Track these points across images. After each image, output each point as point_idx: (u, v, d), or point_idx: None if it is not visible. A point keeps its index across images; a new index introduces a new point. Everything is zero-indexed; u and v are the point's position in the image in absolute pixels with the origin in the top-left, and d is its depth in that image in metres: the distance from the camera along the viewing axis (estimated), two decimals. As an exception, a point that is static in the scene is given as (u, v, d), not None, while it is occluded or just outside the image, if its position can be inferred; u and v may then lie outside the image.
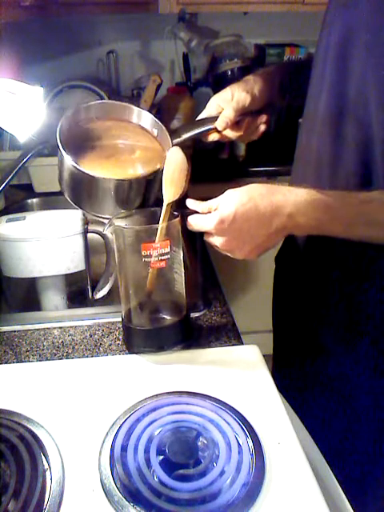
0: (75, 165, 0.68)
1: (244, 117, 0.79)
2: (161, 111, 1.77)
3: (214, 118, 0.78)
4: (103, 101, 0.77)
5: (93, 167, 0.71)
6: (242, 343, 0.78)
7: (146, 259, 0.67)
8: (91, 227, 0.90)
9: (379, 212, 0.61)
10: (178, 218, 0.68)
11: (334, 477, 0.65)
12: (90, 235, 0.91)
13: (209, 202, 0.65)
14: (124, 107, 0.76)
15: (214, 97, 0.80)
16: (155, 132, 0.77)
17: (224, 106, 0.78)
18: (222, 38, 1.87)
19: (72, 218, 0.92)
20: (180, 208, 0.68)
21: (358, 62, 0.65)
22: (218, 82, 1.86)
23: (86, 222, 0.91)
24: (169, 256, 0.67)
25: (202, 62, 1.89)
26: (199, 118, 0.81)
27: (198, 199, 0.67)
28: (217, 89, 1.78)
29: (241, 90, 0.78)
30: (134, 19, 1.88)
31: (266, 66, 1.87)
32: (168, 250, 0.67)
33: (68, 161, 0.68)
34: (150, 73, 1.84)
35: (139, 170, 0.73)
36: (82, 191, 0.73)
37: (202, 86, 1.89)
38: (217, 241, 0.65)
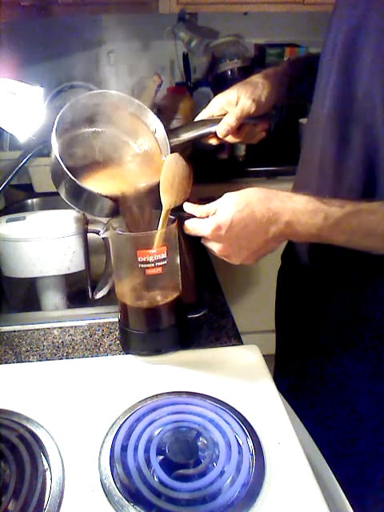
0: (71, 176, 0.67)
1: (245, 122, 0.77)
2: (161, 111, 1.77)
3: (215, 121, 0.77)
4: (105, 91, 0.75)
5: (88, 176, 0.70)
6: (241, 343, 0.78)
7: (143, 265, 0.66)
8: (91, 227, 0.90)
9: (381, 224, 0.60)
10: (175, 223, 0.68)
11: (334, 477, 0.65)
12: (89, 235, 0.91)
13: (207, 205, 0.65)
14: (125, 99, 0.75)
15: (219, 96, 0.79)
16: (154, 129, 0.76)
17: (227, 109, 0.77)
18: (222, 38, 1.87)
19: (72, 218, 0.92)
20: (177, 211, 0.68)
21: (364, 64, 0.65)
22: (218, 82, 1.86)
23: (86, 222, 0.91)
24: (166, 262, 0.67)
25: (202, 61, 1.89)
26: (200, 117, 0.79)
27: (197, 199, 0.67)
28: (217, 89, 1.77)
29: (247, 97, 0.76)
30: (134, 19, 1.88)
31: (266, 65, 1.87)
32: (165, 255, 0.67)
33: (63, 168, 0.67)
34: (150, 73, 1.85)
35: (135, 183, 0.71)
36: (76, 198, 0.72)
37: (202, 86, 1.89)
38: (214, 246, 0.65)
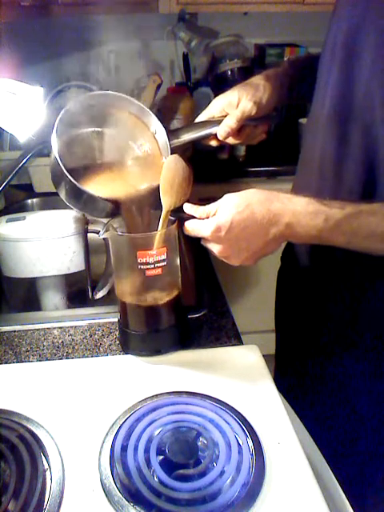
0: (71, 179, 0.66)
1: (246, 124, 0.77)
2: (161, 111, 1.77)
3: (216, 123, 0.76)
4: (106, 91, 0.74)
5: (88, 178, 0.70)
6: (241, 343, 0.79)
7: (142, 266, 0.66)
8: (91, 227, 0.90)
9: (381, 225, 0.60)
10: (175, 224, 0.68)
11: (334, 477, 0.65)
12: (89, 235, 0.91)
13: (207, 207, 0.65)
14: (126, 100, 0.74)
15: (220, 97, 0.78)
16: (154, 130, 0.76)
17: (228, 111, 0.76)
18: (222, 38, 1.87)
19: (72, 217, 0.92)
20: (177, 212, 0.68)
21: (364, 64, 0.64)
22: (218, 82, 1.86)
23: (86, 222, 0.91)
24: (165, 263, 0.67)
25: (202, 61, 1.89)
26: (200, 118, 0.79)
27: (197, 199, 0.67)
28: (217, 89, 1.77)
29: (248, 99, 0.75)
30: (134, 19, 1.88)
31: (266, 66, 1.87)
32: (164, 256, 0.67)
33: (63, 170, 0.66)
34: (150, 73, 1.85)
35: (135, 186, 0.71)
36: (75, 199, 0.72)
37: (202, 86, 1.89)
38: (213, 247, 0.65)
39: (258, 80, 0.79)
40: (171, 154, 0.73)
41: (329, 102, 0.71)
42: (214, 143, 0.79)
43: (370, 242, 0.62)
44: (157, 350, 0.74)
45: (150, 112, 0.75)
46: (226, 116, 0.76)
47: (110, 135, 0.76)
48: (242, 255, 0.64)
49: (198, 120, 0.80)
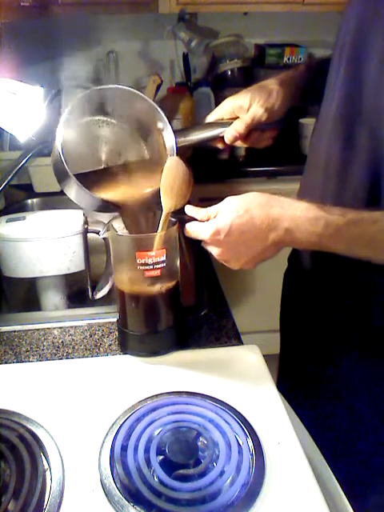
0: (75, 180, 0.66)
1: (254, 129, 0.76)
2: (161, 111, 1.77)
3: (225, 125, 0.75)
4: (115, 86, 0.73)
5: (91, 178, 0.69)
6: (241, 343, 0.79)
7: (142, 267, 0.66)
8: (91, 227, 0.90)
9: (382, 234, 0.59)
10: (175, 226, 0.68)
11: (334, 477, 0.65)
12: (89, 235, 0.91)
13: (208, 209, 0.65)
14: (134, 95, 0.74)
15: (230, 99, 0.77)
16: (161, 127, 0.75)
17: (238, 114, 0.75)
18: (222, 38, 1.87)
19: (72, 217, 0.92)
20: (178, 214, 0.68)
21: (372, 65, 0.64)
22: (218, 82, 1.86)
23: (86, 222, 0.91)
24: (164, 264, 0.67)
25: (202, 62, 1.89)
26: (209, 119, 0.78)
27: (198, 200, 0.67)
28: (217, 89, 1.76)
29: (260, 105, 0.74)
30: (134, 19, 1.89)
31: (266, 66, 1.86)
32: (164, 258, 0.67)
33: (66, 169, 0.66)
34: (149, 73, 1.85)
35: (139, 190, 0.71)
36: (78, 197, 0.71)
37: (202, 86, 1.89)
38: (213, 250, 0.64)
39: (271, 85, 0.77)
40: (177, 153, 0.72)
41: (336, 103, 0.71)
42: (220, 145, 0.78)
43: (370, 250, 0.61)
44: (155, 352, 0.74)
45: (159, 109, 0.74)
46: (235, 118, 0.75)
47: (117, 132, 0.75)
48: (241, 259, 0.64)
49: (207, 120, 0.78)
